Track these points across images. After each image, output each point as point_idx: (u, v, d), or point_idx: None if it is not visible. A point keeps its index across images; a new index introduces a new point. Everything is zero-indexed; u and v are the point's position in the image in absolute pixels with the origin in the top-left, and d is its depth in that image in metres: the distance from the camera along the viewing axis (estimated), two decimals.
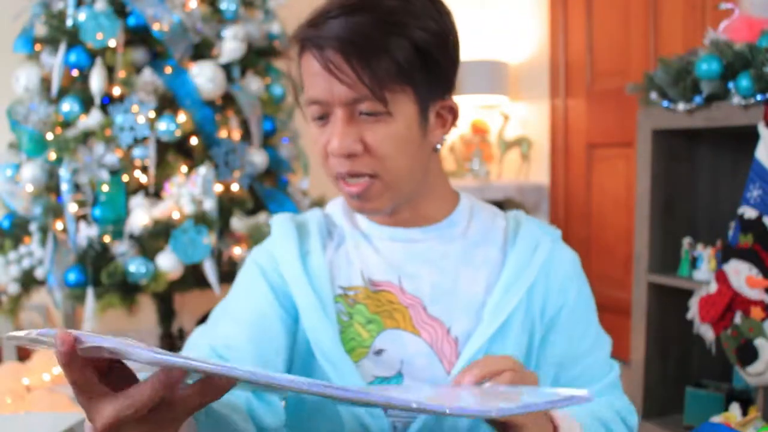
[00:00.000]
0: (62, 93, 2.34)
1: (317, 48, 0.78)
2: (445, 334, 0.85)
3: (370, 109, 0.78)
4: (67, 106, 2.28)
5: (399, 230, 0.90)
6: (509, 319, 0.85)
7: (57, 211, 2.28)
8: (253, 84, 2.52)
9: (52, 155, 2.30)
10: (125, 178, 2.24)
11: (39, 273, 2.29)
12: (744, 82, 1.68)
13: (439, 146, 0.87)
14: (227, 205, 2.34)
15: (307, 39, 0.79)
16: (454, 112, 0.87)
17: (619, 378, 0.95)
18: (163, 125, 2.24)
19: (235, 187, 2.40)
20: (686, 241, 2.00)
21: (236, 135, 2.43)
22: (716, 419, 1.73)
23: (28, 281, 2.33)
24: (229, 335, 0.84)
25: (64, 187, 2.23)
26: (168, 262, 2.16)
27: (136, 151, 2.25)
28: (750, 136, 1.71)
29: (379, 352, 0.85)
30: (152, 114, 2.26)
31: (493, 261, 0.89)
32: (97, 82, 2.25)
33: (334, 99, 0.79)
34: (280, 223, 0.94)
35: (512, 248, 0.89)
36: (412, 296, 0.87)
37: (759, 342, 1.63)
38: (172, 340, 2.66)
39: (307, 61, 0.81)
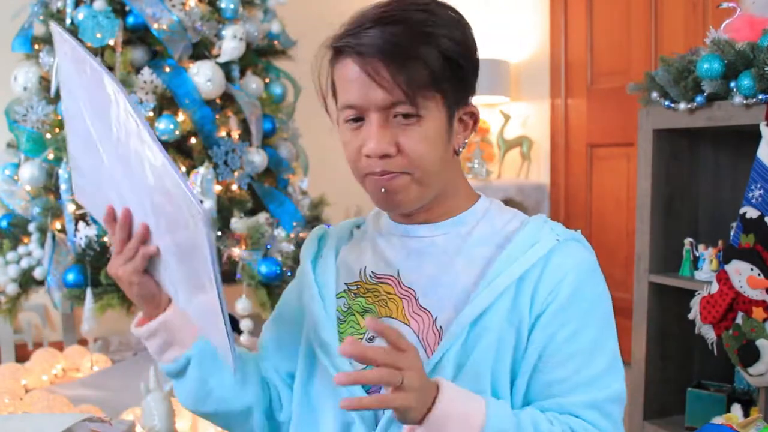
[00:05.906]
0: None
1: (357, 55, 0.84)
2: (432, 324, 0.90)
3: (405, 111, 0.85)
4: None
5: (412, 227, 0.96)
6: (490, 310, 0.86)
7: (56, 211, 2.27)
8: (253, 83, 2.51)
9: (51, 155, 2.29)
10: None
11: (38, 273, 2.28)
12: (746, 81, 1.67)
13: (460, 150, 0.93)
14: (227, 204, 2.33)
15: (348, 47, 0.85)
16: (474, 117, 0.94)
17: (610, 402, 0.86)
18: (162, 125, 2.23)
19: (234, 187, 2.39)
20: (687, 241, 1.99)
21: (236, 135, 2.42)
22: (718, 420, 1.72)
23: (27, 281, 2.32)
24: (268, 328, 1.06)
25: (63, 186, 2.22)
26: None
27: None
28: (752, 136, 1.70)
29: (371, 339, 0.92)
30: (151, 113, 2.25)
31: (489, 257, 0.91)
32: None
33: (370, 103, 0.85)
34: (312, 232, 1.06)
35: (508, 245, 0.91)
36: (408, 288, 0.93)
37: (761, 343, 1.63)
38: None
39: (343, 68, 0.87)
